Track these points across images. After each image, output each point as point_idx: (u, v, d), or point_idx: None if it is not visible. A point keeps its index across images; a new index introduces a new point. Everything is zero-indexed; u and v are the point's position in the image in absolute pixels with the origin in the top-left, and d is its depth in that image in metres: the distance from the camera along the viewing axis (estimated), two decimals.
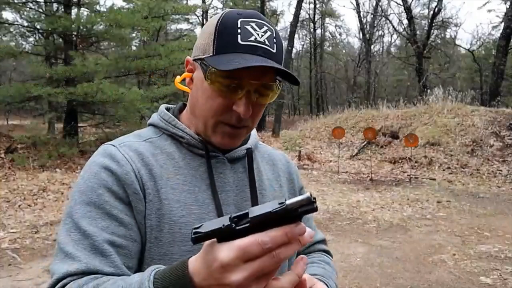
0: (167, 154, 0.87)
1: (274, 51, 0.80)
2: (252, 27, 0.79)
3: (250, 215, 0.53)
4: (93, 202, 0.77)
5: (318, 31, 34.77)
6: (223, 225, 0.53)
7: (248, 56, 0.77)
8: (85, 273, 0.71)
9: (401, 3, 22.16)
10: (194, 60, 0.85)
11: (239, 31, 0.78)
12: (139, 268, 0.81)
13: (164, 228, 0.80)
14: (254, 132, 0.99)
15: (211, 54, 0.79)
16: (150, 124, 0.94)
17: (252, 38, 0.78)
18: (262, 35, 0.79)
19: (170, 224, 0.80)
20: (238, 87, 0.78)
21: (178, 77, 0.91)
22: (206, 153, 0.87)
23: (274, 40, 0.81)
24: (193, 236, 0.55)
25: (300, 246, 0.54)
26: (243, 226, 0.53)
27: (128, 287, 0.64)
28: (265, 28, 0.80)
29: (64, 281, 0.71)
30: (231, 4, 25.73)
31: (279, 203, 0.53)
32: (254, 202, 0.90)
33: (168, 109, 0.97)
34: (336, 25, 51.44)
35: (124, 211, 0.78)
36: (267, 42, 0.79)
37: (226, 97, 0.79)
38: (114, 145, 0.84)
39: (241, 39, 0.77)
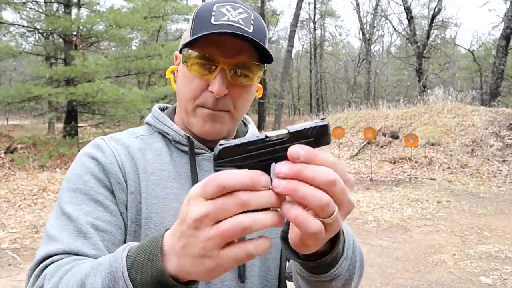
0: (155, 150, 0.87)
1: (250, 30, 0.78)
2: (226, 9, 0.79)
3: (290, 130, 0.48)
4: (79, 188, 0.79)
5: (318, 31, 34.84)
6: (257, 137, 0.47)
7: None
8: (67, 252, 0.71)
9: (401, 3, 22.12)
10: (180, 52, 0.86)
11: (213, 13, 0.79)
12: None
13: (141, 223, 0.80)
14: (253, 128, 0.98)
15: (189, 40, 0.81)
16: (145, 123, 0.95)
17: (225, 18, 0.78)
18: (236, 16, 0.79)
19: (146, 219, 0.80)
20: (212, 66, 0.79)
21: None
22: (191, 149, 0.86)
23: (251, 22, 0.79)
24: (219, 145, 0.47)
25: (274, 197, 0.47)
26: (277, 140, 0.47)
27: (102, 261, 0.59)
28: (241, 10, 0.80)
29: (46, 262, 0.70)
30: None
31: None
32: None
33: (164, 108, 0.98)
34: (336, 25, 51.80)
35: (109, 198, 0.79)
36: (241, 22, 0.78)
37: (201, 78, 0.80)
38: (103, 139, 0.87)
39: (214, 20, 0.78)
